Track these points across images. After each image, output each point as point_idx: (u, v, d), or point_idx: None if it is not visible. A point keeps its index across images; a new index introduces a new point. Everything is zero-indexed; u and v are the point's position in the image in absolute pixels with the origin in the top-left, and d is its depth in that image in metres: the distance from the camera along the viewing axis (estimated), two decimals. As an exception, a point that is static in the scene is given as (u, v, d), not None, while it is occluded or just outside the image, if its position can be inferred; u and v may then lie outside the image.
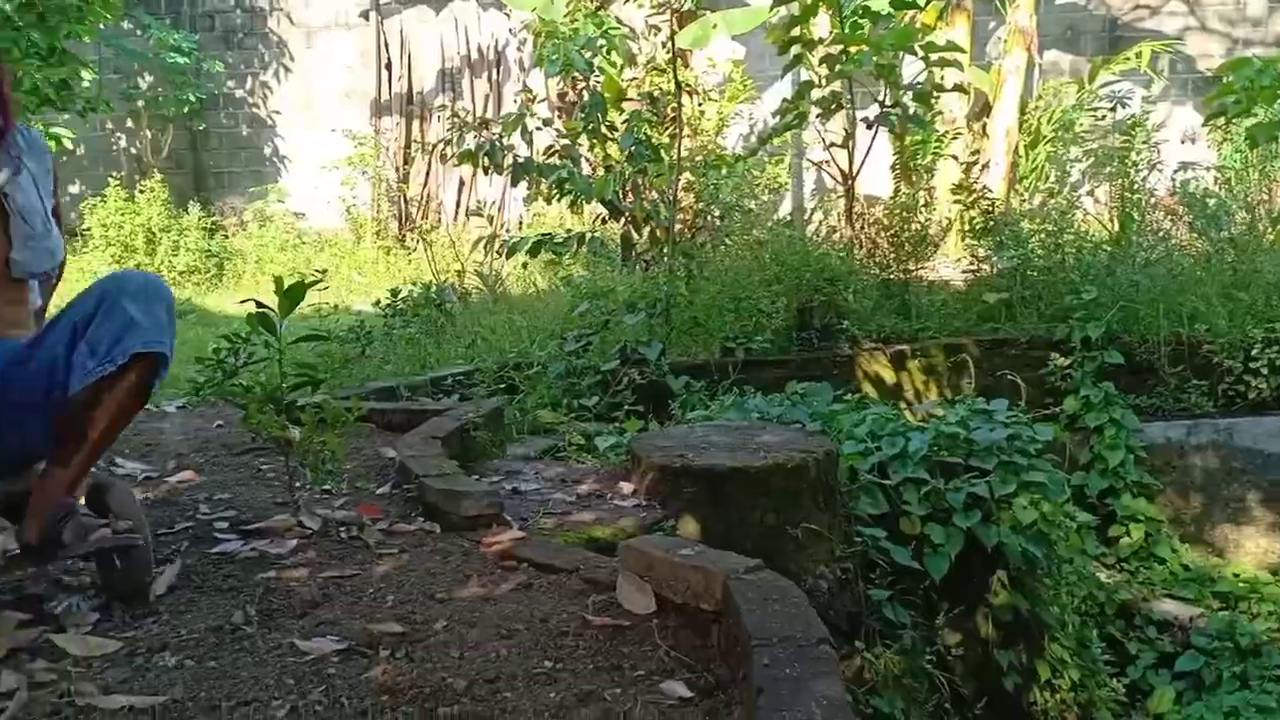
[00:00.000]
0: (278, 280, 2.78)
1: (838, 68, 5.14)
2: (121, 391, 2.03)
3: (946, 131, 7.25)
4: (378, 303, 5.73)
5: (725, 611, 1.95)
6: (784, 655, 1.69)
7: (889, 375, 4.92)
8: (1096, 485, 4.92)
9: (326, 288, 3.73)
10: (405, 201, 11.15)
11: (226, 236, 10.92)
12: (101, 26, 9.09)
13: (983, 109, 8.87)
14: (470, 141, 6.55)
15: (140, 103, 11.02)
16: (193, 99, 10.91)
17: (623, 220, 6.48)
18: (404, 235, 10.92)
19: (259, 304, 2.77)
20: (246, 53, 11.63)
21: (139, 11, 10.82)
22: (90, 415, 2.03)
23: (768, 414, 3.84)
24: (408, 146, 11.31)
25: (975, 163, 8.27)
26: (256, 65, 11.64)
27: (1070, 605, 4.01)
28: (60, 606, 2.08)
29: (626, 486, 3.17)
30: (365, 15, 11.33)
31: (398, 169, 11.18)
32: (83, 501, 2.16)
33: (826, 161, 6.51)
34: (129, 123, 11.38)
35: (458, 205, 11.00)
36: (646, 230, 6.05)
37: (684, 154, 6.23)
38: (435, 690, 1.75)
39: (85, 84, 9.25)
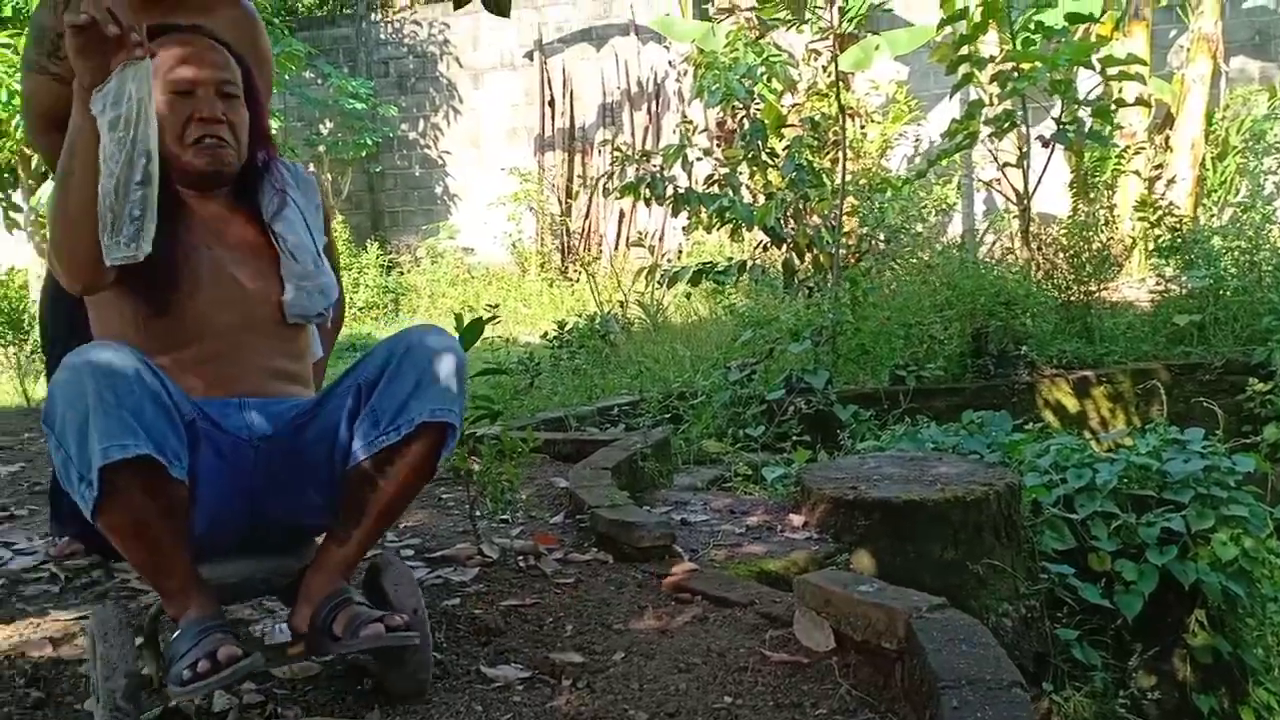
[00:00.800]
0: (458, 317, 2.87)
1: (1010, 86, 4.98)
2: (406, 464, 1.80)
3: (1127, 146, 6.92)
4: (545, 335, 5.85)
5: (909, 651, 1.89)
6: (974, 698, 1.63)
7: (1071, 403, 4.70)
8: (1303, 520, 4.56)
9: (500, 321, 3.82)
10: (568, 234, 11.41)
11: (402, 273, 11.40)
12: (286, 77, 9.66)
13: (1165, 121, 8.43)
14: (631, 174, 6.65)
15: (321, 148, 11.65)
16: (370, 142, 11.46)
17: (784, 247, 6.44)
18: (566, 267, 11.16)
19: (438, 339, 2.86)
20: (418, 96, 12.15)
21: (320, 62, 11.46)
22: (372, 490, 1.82)
23: (943, 444, 3.72)
24: (570, 180, 11.57)
25: (1158, 178, 7.87)
26: (428, 108, 12.14)
27: (1275, 647, 3.72)
28: (262, 629, 2.18)
29: (796, 519, 3.13)
30: (529, 55, 11.68)
31: (560, 203, 11.45)
32: (359, 582, 1.98)
33: (997, 180, 6.31)
34: (311, 167, 12.03)
35: (618, 236, 11.18)
36: (810, 256, 5.99)
37: (847, 178, 6.15)
38: (616, 724, 1.75)
39: (273, 131, 9.83)
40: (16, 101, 7.93)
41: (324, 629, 1.79)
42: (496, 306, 5.39)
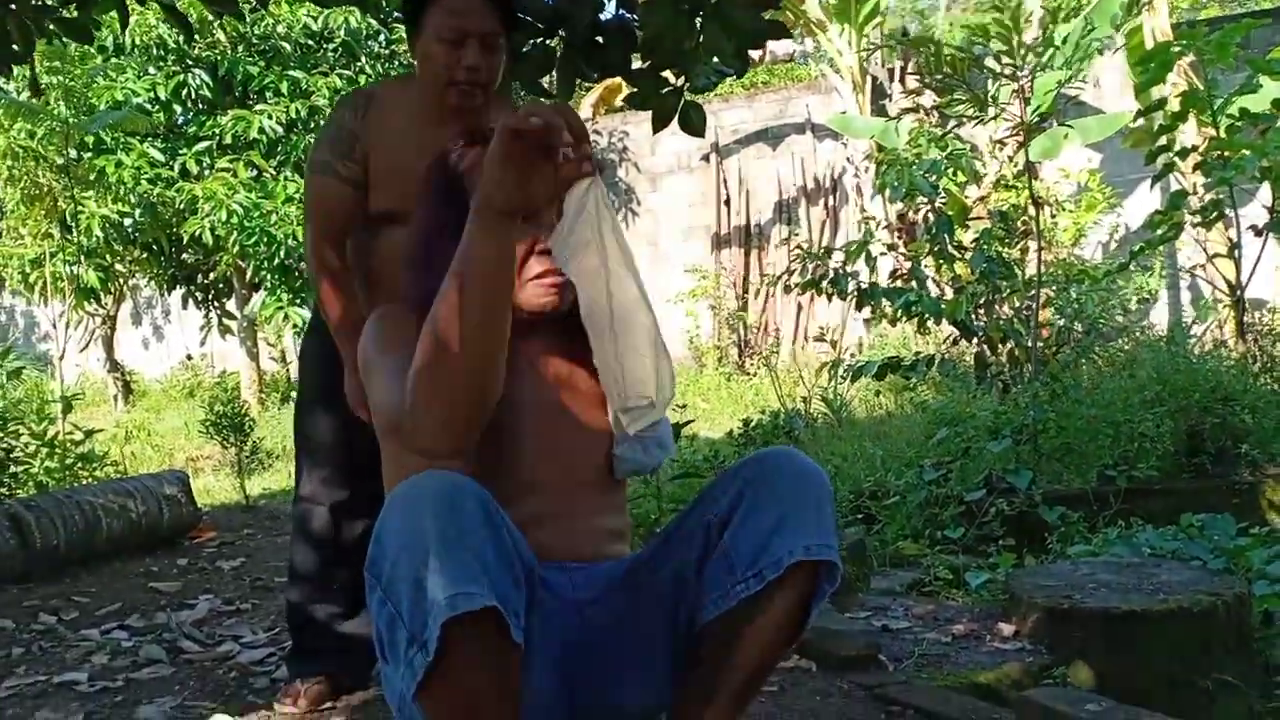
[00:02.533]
0: (658, 419, 2.94)
1: (1218, 175, 4.78)
2: (772, 619, 1.45)
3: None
4: (730, 432, 5.87)
5: (1147, 778, 1.78)
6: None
7: (1298, 505, 4.37)
8: None
9: (691, 421, 3.87)
10: (745, 329, 11.49)
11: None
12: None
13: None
14: (811, 270, 6.68)
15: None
16: (553, 244, 11.90)
17: (975, 340, 6.30)
18: (743, 362, 11.22)
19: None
20: (601, 200, 12.58)
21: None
22: (727, 655, 1.47)
23: (1161, 549, 3.51)
24: (746, 276, 11.70)
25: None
26: (610, 211, 12.55)
27: None
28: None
29: (1006, 628, 3.01)
30: (706, 158, 11.96)
31: (738, 298, 11.57)
32: None
33: (1201, 266, 6.01)
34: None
35: (795, 330, 11.18)
36: (1005, 350, 5.83)
37: (1041, 268, 5.99)
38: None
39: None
40: (234, 219, 8.67)
41: None
42: (684, 407, 5.45)
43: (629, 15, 2.59)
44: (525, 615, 1.32)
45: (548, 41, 2.50)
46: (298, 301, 8.87)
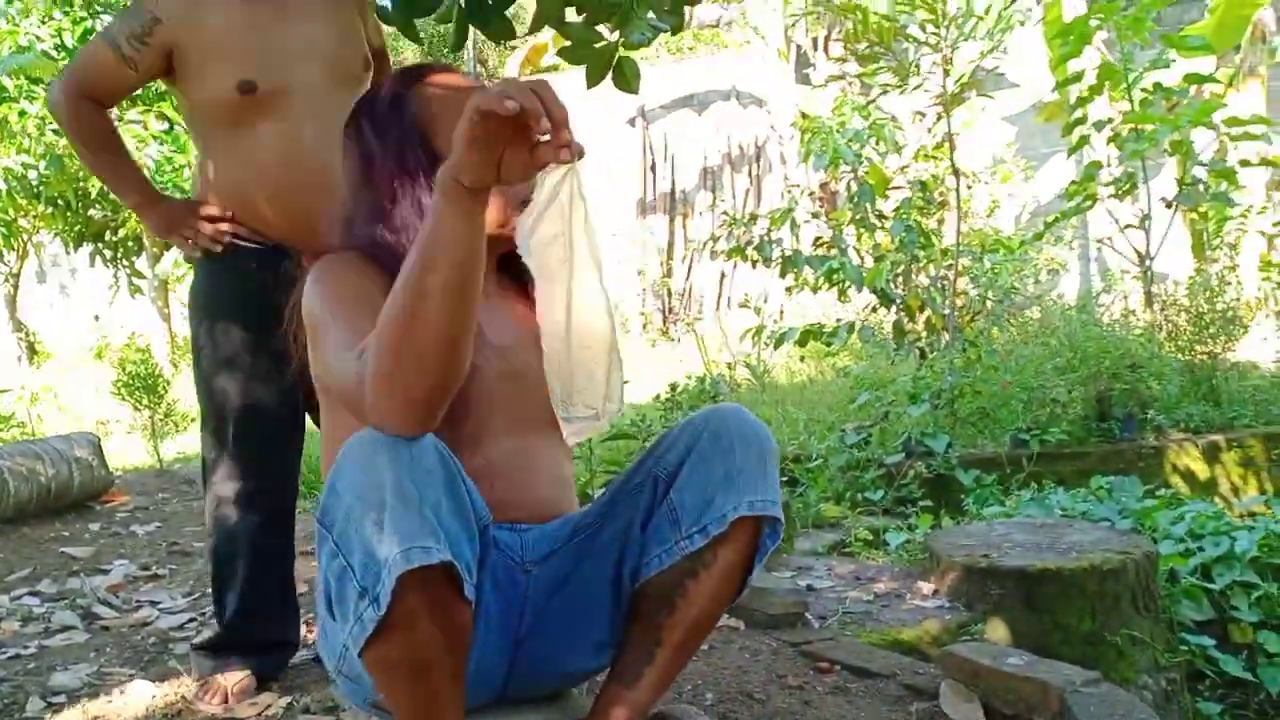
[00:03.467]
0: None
1: (1131, 148, 4.92)
2: (715, 574, 1.46)
3: (1250, 206, 6.76)
4: (657, 397, 5.90)
5: (1065, 726, 1.85)
6: (1144, 779, 1.59)
7: (1201, 469, 4.56)
8: None
9: (628, 382, 3.84)
10: (669, 296, 11.52)
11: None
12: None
13: (1284, 178, 8.21)
14: (737, 236, 6.73)
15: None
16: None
17: (894, 308, 6.41)
18: (668, 328, 11.26)
19: (570, 404, 2.93)
20: (523, 162, 12.45)
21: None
22: (668, 613, 1.47)
23: (1072, 511, 3.64)
24: (671, 243, 11.72)
25: (1278, 236, 7.64)
26: (532, 173, 12.43)
27: None
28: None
29: (926, 586, 3.08)
30: (631, 122, 11.91)
31: (662, 265, 11.59)
32: None
33: (1108, 239, 6.20)
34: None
35: (719, 298, 11.26)
36: (922, 317, 5.95)
37: (959, 238, 6.12)
38: (768, 794, 1.75)
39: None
40: (145, 173, 8.36)
41: None
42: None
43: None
44: (479, 572, 1.30)
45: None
46: (212, 260, 8.60)
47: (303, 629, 2.55)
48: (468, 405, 1.48)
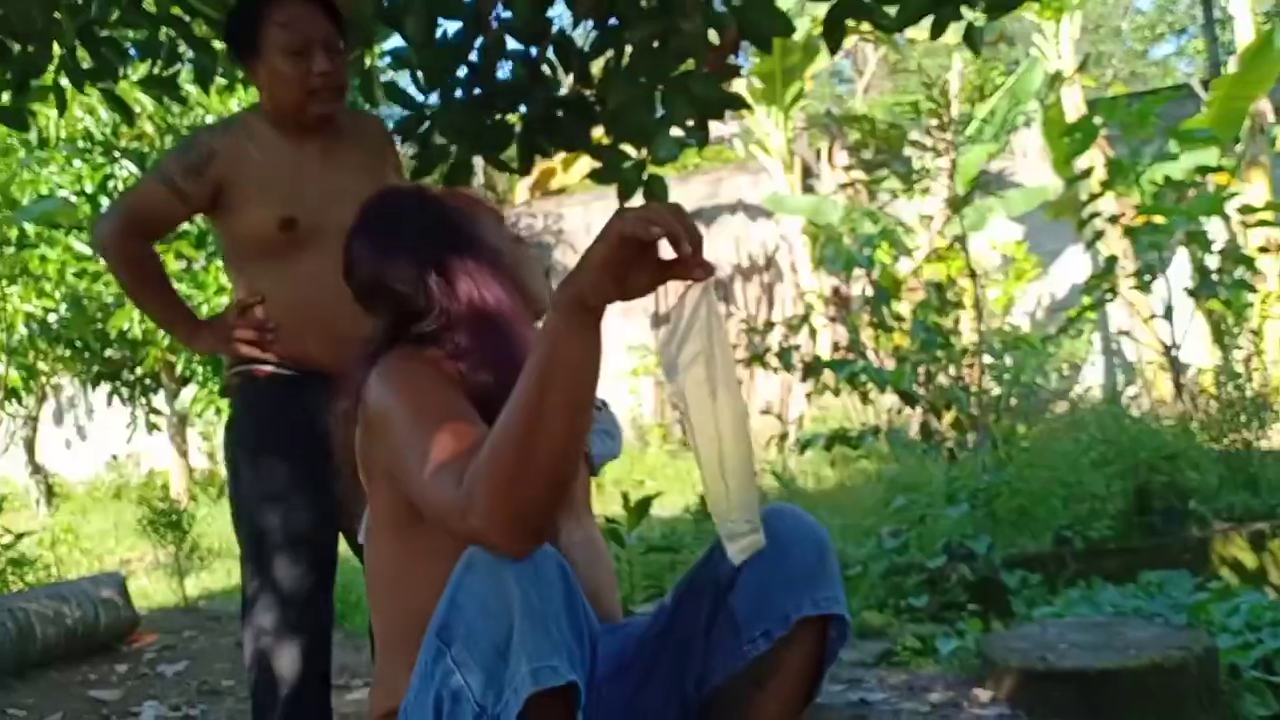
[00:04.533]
0: (625, 495, 2.90)
1: (1149, 238, 4.96)
2: (783, 678, 1.39)
3: (1270, 292, 6.78)
4: (686, 508, 5.84)
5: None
6: None
7: (1249, 559, 4.44)
8: None
9: (660, 494, 3.79)
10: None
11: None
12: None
13: (1297, 262, 8.24)
14: (755, 344, 6.74)
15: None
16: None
17: (918, 409, 6.38)
18: (687, 439, 11.21)
19: (608, 519, 2.89)
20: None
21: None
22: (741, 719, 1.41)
23: (1124, 607, 3.54)
24: (686, 354, 11.76)
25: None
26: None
27: None
28: None
29: (982, 694, 2.98)
30: (641, 237, 12.08)
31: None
32: None
33: (1125, 332, 6.20)
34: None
35: (739, 405, 11.24)
36: (948, 417, 5.91)
37: (976, 338, 6.12)
38: None
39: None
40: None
41: None
42: (642, 483, 5.41)
43: (585, 90, 2.61)
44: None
45: (507, 117, 2.50)
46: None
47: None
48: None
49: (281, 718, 2.23)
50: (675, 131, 2.50)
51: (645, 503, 2.79)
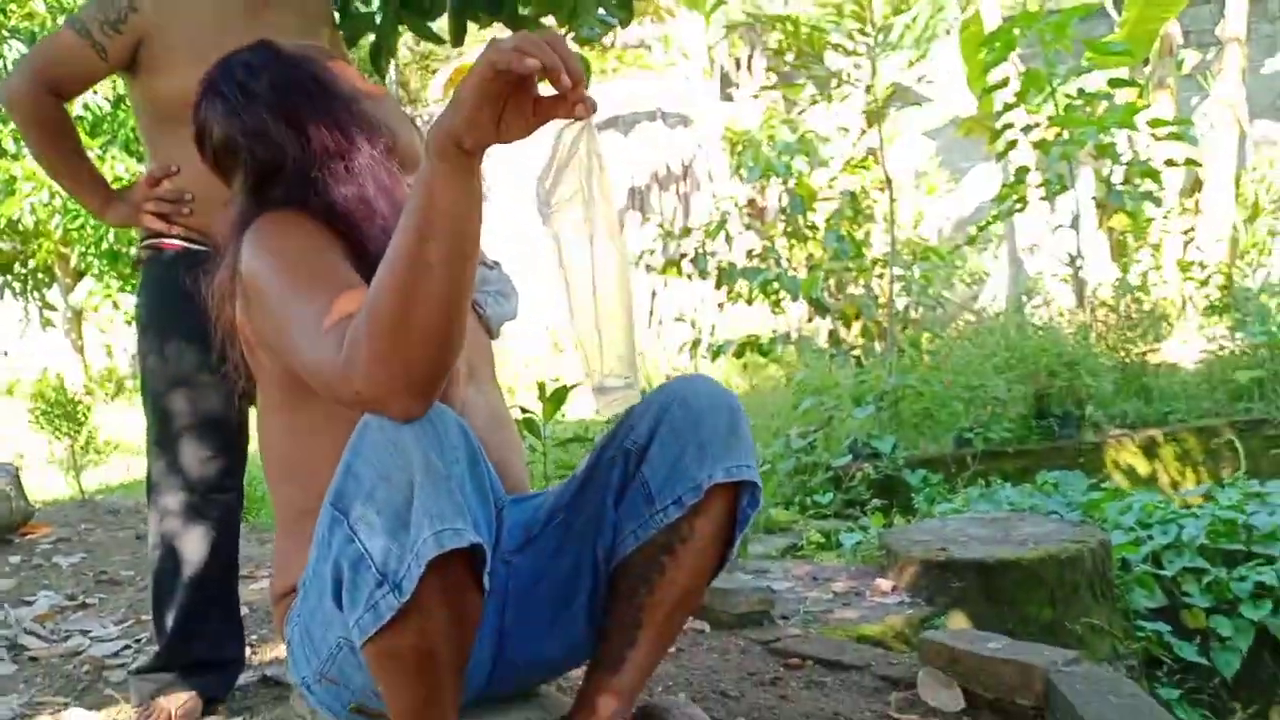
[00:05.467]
0: (541, 386, 2.88)
1: (1060, 150, 5.02)
2: (694, 545, 1.36)
3: (1170, 209, 6.98)
4: (597, 411, 5.85)
5: (1050, 706, 1.83)
6: (1140, 750, 1.57)
7: (1140, 463, 4.65)
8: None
9: (578, 384, 3.77)
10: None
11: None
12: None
13: (1194, 185, 8.49)
14: (673, 250, 6.73)
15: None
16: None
17: (829, 317, 6.46)
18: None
19: (523, 409, 2.87)
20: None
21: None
22: (648, 591, 1.38)
23: (1021, 505, 3.67)
24: (601, 262, 11.71)
25: (1190, 241, 7.89)
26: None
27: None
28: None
29: (884, 583, 3.07)
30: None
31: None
32: None
33: (1035, 245, 6.33)
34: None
35: (650, 315, 11.24)
36: (857, 325, 6.00)
37: (887, 249, 6.19)
38: (756, 788, 1.69)
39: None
40: (56, 202, 8.09)
41: None
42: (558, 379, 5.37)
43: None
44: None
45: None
46: (128, 289, 8.34)
47: (247, 651, 2.45)
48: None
49: (184, 602, 2.18)
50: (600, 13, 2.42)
51: (561, 392, 2.77)
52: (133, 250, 2.26)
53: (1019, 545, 2.96)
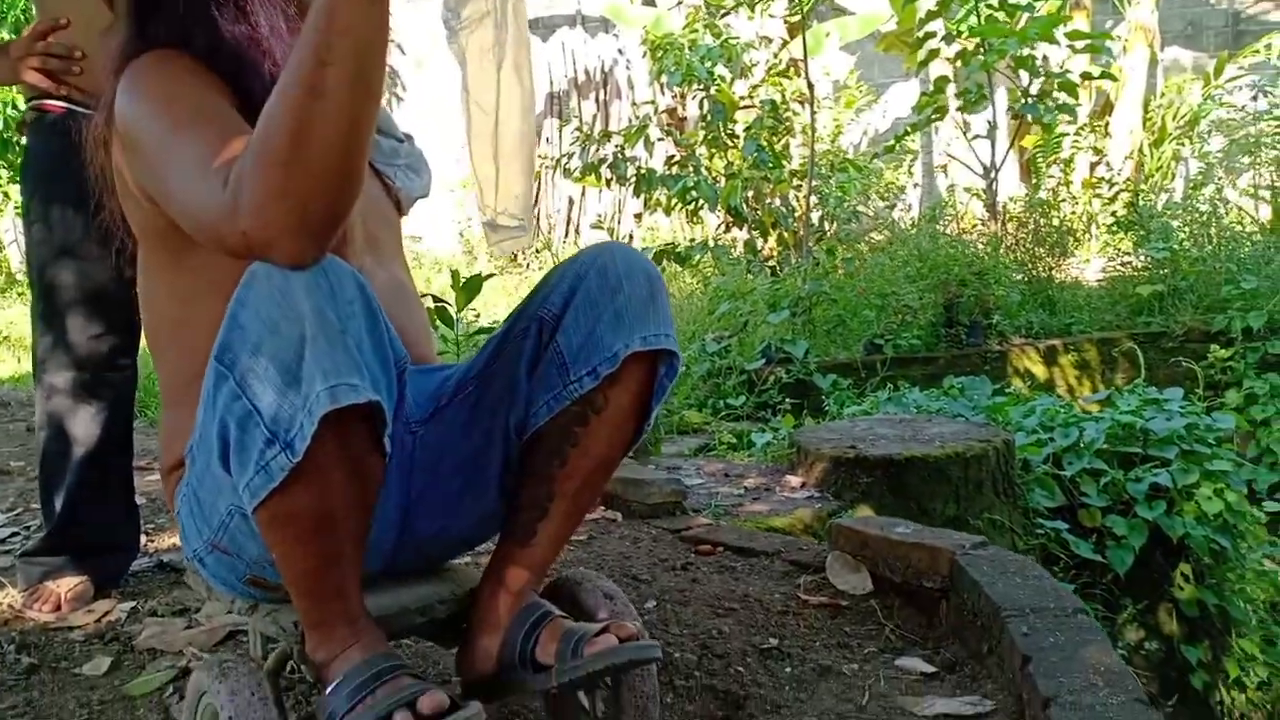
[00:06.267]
0: (454, 274, 2.79)
1: (981, 59, 5.02)
2: (609, 416, 1.31)
3: (1082, 126, 7.07)
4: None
5: (955, 588, 1.86)
6: (1042, 625, 1.60)
7: (1041, 371, 4.76)
8: (1266, 480, 4.66)
9: (493, 275, 3.68)
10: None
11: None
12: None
13: (1104, 108, 8.63)
14: (591, 156, 6.60)
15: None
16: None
17: (746, 227, 6.43)
18: (516, 254, 11.02)
19: (435, 299, 2.79)
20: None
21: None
22: (561, 463, 1.33)
23: (928, 408, 3.73)
24: (517, 169, 11.47)
25: (1099, 162, 8.04)
26: (370, 95, 11.92)
27: (1256, 600, 3.80)
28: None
29: (794, 479, 3.10)
30: (473, 43, 11.53)
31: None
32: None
33: (948, 154, 6.37)
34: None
35: (568, 224, 11.09)
36: (774, 236, 5.98)
37: (813, 157, 6.16)
38: (666, 664, 1.70)
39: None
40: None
41: (522, 660, 1.32)
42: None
43: None
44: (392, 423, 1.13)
45: None
46: (18, 179, 7.90)
47: (143, 539, 2.37)
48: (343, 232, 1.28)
49: (73, 484, 2.08)
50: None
51: (475, 281, 2.69)
52: (24, 140, 2.10)
53: (926, 443, 3.02)
